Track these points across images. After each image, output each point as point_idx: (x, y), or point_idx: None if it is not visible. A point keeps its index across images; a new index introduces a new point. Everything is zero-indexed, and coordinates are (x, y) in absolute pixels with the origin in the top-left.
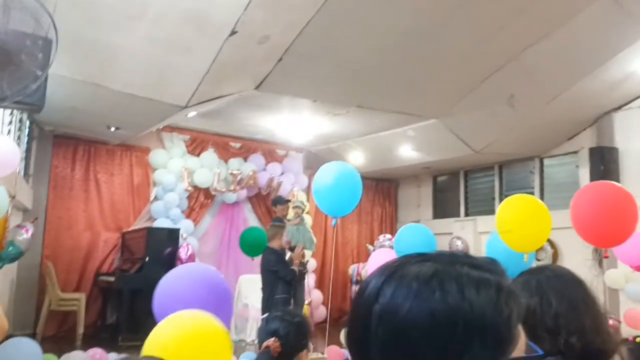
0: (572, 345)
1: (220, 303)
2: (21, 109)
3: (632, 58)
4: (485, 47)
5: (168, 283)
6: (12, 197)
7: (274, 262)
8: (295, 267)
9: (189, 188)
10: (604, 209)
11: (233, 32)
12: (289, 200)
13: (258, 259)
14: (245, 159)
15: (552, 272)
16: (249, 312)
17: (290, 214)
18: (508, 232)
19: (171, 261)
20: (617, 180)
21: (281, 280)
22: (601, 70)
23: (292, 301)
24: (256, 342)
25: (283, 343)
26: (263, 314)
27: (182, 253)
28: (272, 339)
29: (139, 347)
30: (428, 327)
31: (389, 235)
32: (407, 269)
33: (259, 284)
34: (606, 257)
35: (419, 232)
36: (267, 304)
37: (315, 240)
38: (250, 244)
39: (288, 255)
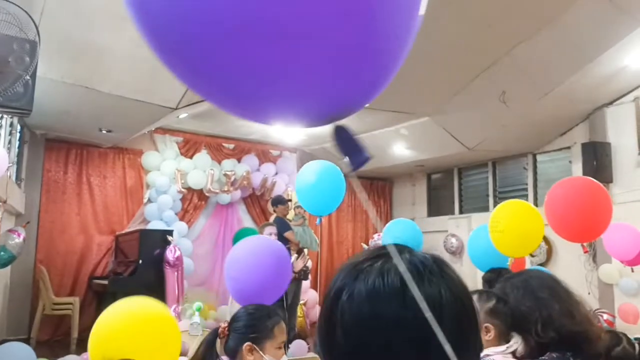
0: (546, 334)
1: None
2: (10, 114)
3: (623, 53)
4: (476, 44)
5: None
6: (4, 202)
7: None
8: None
9: (183, 190)
10: (575, 205)
11: None
12: (289, 200)
13: None
14: (239, 160)
15: (521, 276)
16: None
17: (291, 214)
18: (500, 232)
19: (162, 264)
20: (610, 175)
21: None
22: (592, 66)
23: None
24: None
25: (231, 327)
26: None
27: (169, 255)
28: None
29: None
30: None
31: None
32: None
33: None
34: (585, 252)
35: (405, 226)
36: None
37: (318, 240)
38: None
39: (293, 258)
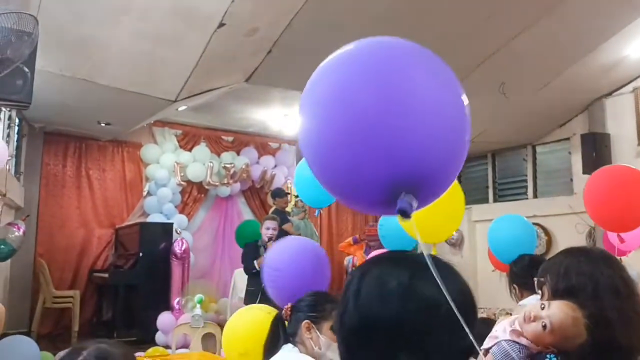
0: (593, 338)
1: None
2: (9, 107)
3: (622, 43)
4: (474, 36)
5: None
6: (3, 195)
7: (242, 255)
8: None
9: (182, 182)
10: (617, 194)
11: (221, 25)
12: (288, 193)
13: None
14: (238, 153)
15: (589, 253)
16: (243, 305)
17: (290, 206)
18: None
19: (165, 256)
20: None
21: (246, 273)
22: (592, 56)
23: (259, 294)
24: None
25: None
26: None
27: (177, 248)
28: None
29: (135, 342)
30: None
31: None
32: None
33: None
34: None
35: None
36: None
37: (317, 233)
38: (246, 237)
39: None
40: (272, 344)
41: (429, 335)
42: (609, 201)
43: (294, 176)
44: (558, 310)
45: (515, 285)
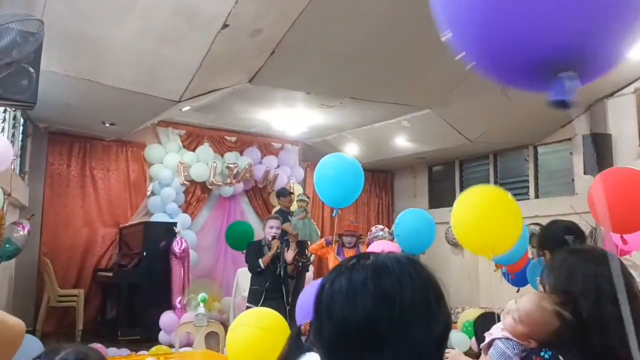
0: (592, 344)
1: None
2: (14, 107)
3: None
4: None
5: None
6: (8, 194)
7: (245, 254)
8: (289, 260)
9: (185, 182)
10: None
11: (225, 26)
12: (291, 193)
13: None
14: (241, 153)
15: (591, 253)
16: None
17: (294, 206)
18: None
19: (168, 256)
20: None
21: (251, 272)
22: None
23: (263, 292)
24: None
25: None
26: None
27: (176, 247)
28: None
29: (138, 341)
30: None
31: (380, 226)
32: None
33: None
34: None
35: (419, 216)
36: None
37: (319, 233)
38: (237, 238)
39: (292, 246)
40: (290, 356)
41: (398, 329)
42: (613, 203)
43: (314, 176)
44: (526, 301)
45: (546, 250)
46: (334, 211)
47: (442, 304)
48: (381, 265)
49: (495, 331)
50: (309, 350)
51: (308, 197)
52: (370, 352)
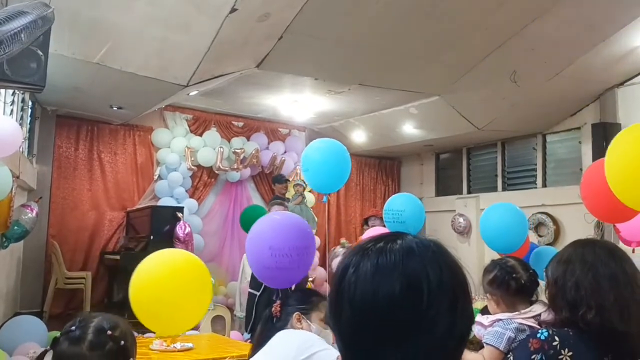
0: (589, 321)
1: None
2: (23, 89)
3: (635, 33)
4: (487, 23)
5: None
6: (17, 177)
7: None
8: None
9: (192, 167)
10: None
11: (233, 10)
12: (287, 180)
13: None
14: (248, 138)
15: (594, 245)
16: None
17: (291, 192)
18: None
19: (173, 240)
20: None
21: None
22: (604, 46)
23: None
24: None
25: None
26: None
27: (179, 231)
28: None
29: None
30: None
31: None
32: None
33: None
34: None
35: (406, 200)
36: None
37: (317, 219)
38: (252, 223)
39: None
40: (264, 338)
41: (423, 321)
42: (601, 194)
43: (301, 163)
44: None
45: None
46: (324, 197)
47: (468, 300)
48: (409, 250)
49: (483, 321)
50: (281, 329)
51: (305, 183)
52: (393, 343)
